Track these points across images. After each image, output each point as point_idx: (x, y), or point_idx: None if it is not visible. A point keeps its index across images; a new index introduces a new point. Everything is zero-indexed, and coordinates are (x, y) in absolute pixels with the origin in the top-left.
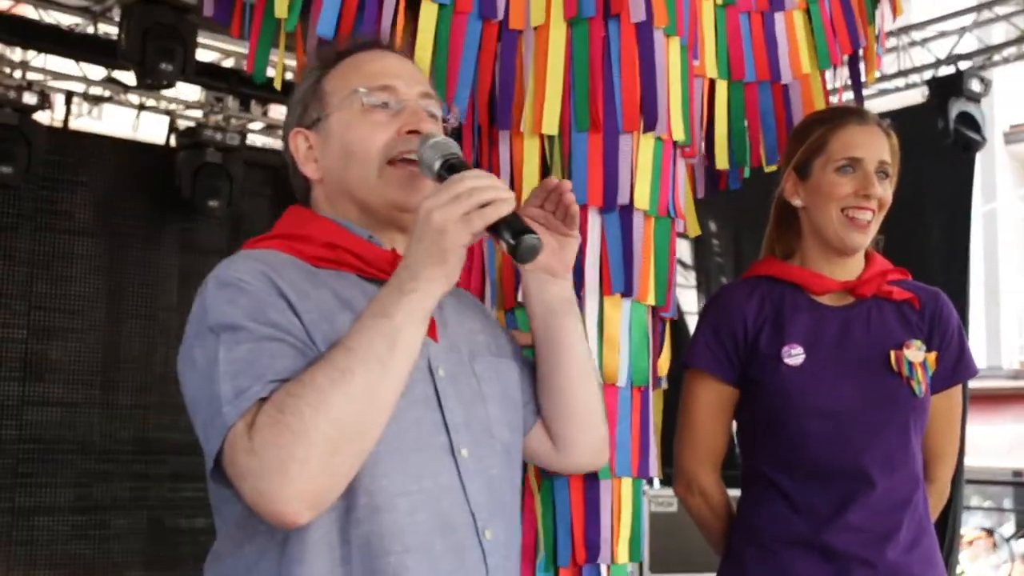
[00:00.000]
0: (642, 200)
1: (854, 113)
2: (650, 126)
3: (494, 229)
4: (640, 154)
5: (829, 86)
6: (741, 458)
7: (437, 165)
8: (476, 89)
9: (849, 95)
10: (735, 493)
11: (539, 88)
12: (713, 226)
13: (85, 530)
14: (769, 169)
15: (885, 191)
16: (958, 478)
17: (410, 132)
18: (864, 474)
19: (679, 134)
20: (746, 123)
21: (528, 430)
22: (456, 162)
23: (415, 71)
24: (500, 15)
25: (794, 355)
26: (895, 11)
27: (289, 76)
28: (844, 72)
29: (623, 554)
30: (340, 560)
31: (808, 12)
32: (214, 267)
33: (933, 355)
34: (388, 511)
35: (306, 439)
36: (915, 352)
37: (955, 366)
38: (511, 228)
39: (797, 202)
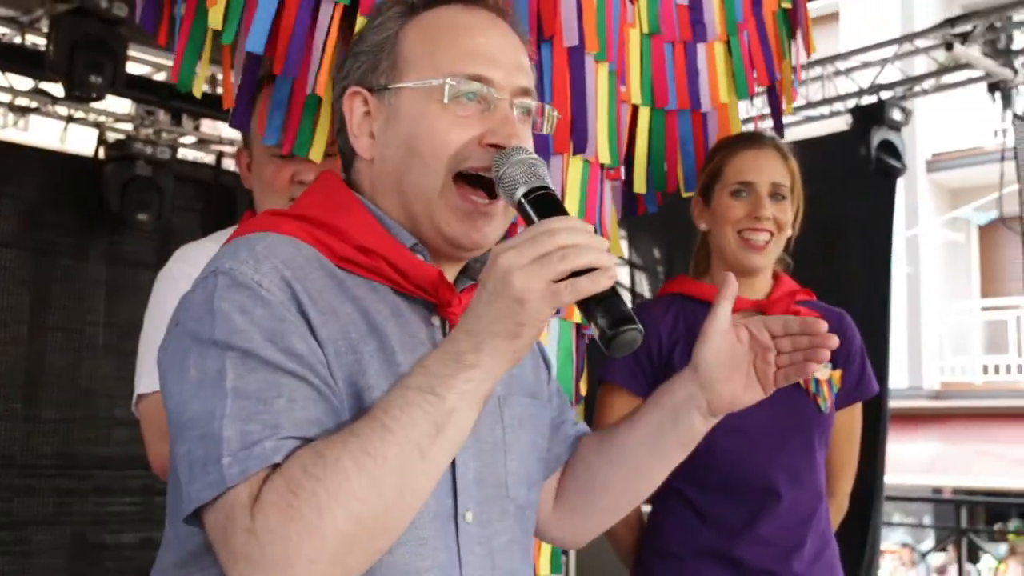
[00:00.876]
0: None
1: (749, 138)
2: (580, 148)
3: (585, 305)
4: (569, 176)
5: (753, 113)
6: None
7: (521, 192)
8: None
9: (768, 123)
10: (646, 508)
11: None
12: (657, 252)
13: (9, 546)
14: (687, 195)
15: (781, 212)
16: (878, 495)
17: (492, 145)
18: (772, 488)
19: (606, 157)
20: (665, 149)
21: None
22: (547, 196)
23: (517, 51)
24: None
25: None
26: (808, 49)
27: (161, 76)
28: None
29: (544, 566)
30: None
31: (728, 44)
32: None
33: (838, 373)
34: None
35: (319, 534)
36: (821, 370)
37: (857, 384)
38: (607, 310)
39: (703, 226)
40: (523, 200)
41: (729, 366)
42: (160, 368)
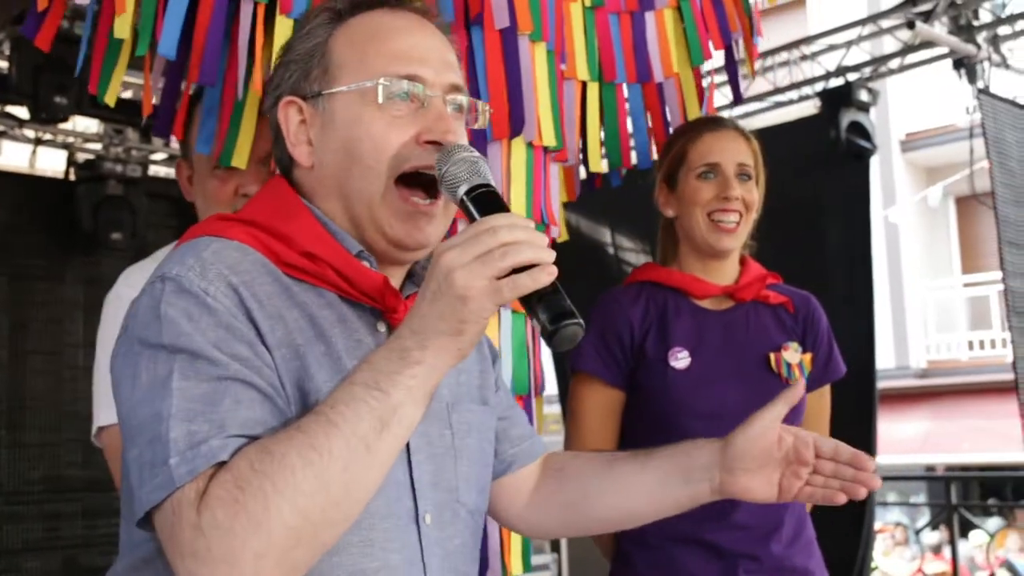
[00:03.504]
0: (518, 207)
1: (710, 121)
2: (517, 131)
3: (527, 301)
4: (512, 161)
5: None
6: None
7: (463, 190)
8: None
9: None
10: None
11: None
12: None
13: (0, 574)
14: (639, 170)
15: (749, 192)
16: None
17: (429, 142)
18: None
19: (550, 139)
20: (618, 124)
21: (499, 475)
22: (488, 194)
23: (445, 51)
24: None
25: (680, 358)
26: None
27: (128, 94)
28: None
29: (516, 565)
30: None
31: (679, 9)
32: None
33: (809, 356)
34: None
35: (266, 529)
36: (792, 354)
37: (826, 366)
38: (549, 306)
39: (669, 212)
40: (465, 198)
41: (759, 461)
42: (112, 375)
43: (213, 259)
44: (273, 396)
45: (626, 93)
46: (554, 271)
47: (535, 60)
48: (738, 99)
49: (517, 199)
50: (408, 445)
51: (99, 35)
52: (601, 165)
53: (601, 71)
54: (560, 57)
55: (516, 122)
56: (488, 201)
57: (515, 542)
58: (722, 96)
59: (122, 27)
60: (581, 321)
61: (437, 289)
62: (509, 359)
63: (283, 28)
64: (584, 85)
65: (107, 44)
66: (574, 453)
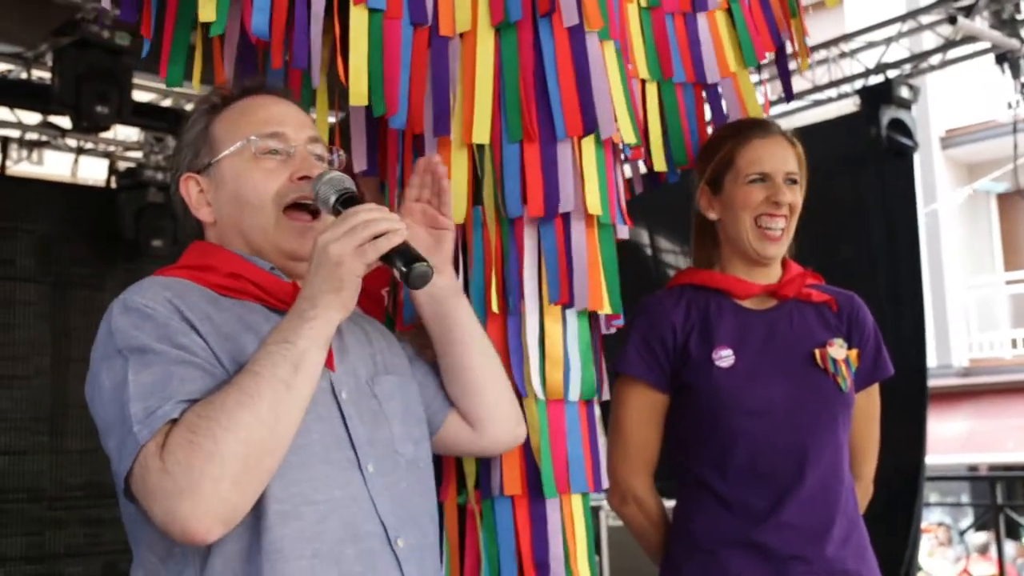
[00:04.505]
0: (594, 206)
1: (758, 126)
2: (590, 129)
3: (387, 258)
4: (584, 159)
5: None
6: (674, 464)
7: (332, 199)
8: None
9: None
10: (670, 504)
11: (467, 97)
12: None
13: None
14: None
15: (795, 197)
16: (919, 475)
17: (301, 178)
18: (796, 471)
19: (630, 136)
20: (681, 122)
21: (439, 425)
22: (351, 196)
23: (301, 116)
24: (430, 20)
25: (724, 357)
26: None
27: (168, 102)
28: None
29: (583, 570)
30: (252, 568)
31: (730, 12)
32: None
33: (855, 352)
34: (296, 518)
35: (219, 458)
36: (838, 349)
37: (874, 366)
38: (403, 257)
39: (712, 215)
40: (335, 203)
41: None
42: (86, 395)
43: (150, 284)
44: (211, 370)
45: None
46: (405, 233)
47: (606, 57)
48: (789, 97)
49: (592, 197)
50: (342, 413)
51: (167, 19)
52: (664, 164)
53: (660, 69)
54: (627, 56)
55: (588, 119)
56: (351, 200)
57: (579, 545)
58: (760, 94)
59: (207, 8)
60: (429, 262)
61: (318, 262)
62: (578, 362)
63: (359, 18)
64: (643, 84)
65: (175, 28)
66: None
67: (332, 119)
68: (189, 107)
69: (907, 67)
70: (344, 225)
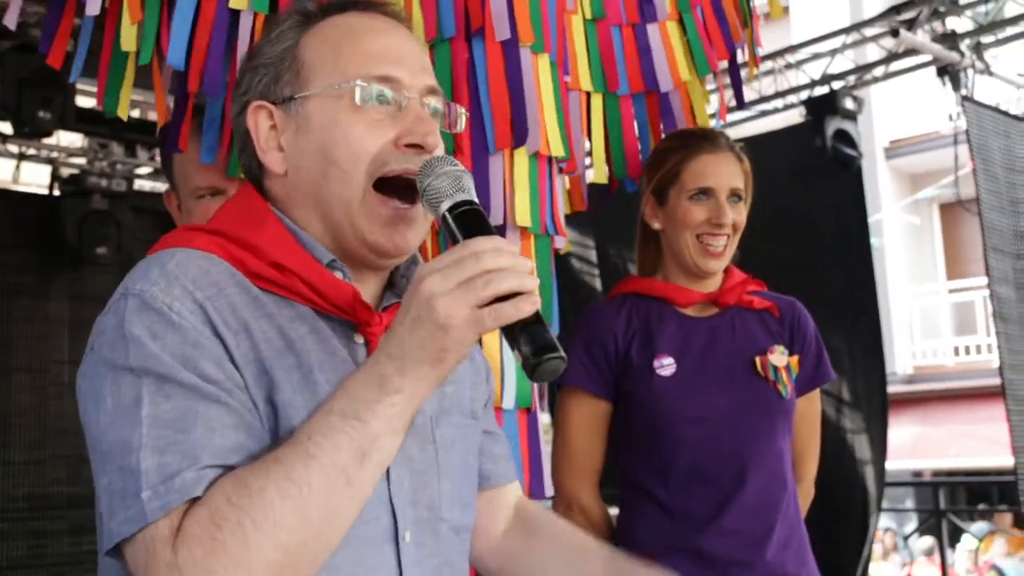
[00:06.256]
0: (523, 217)
1: (707, 139)
2: (520, 141)
3: (508, 331)
4: (516, 171)
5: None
6: (618, 472)
7: (445, 207)
8: None
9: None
10: (615, 511)
11: None
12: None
13: None
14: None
15: (739, 214)
16: (879, 480)
17: (409, 146)
18: (737, 477)
19: (558, 149)
20: (623, 135)
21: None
22: (471, 214)
23: (420, 51)
24: None
25: (665, 365)
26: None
27: (136, 113)
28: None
29: None
30: None
31: (682, 22)
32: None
33: (796, 358)
34: None
35: (246, 566)
36: (779, 356)
37: (815, 370)
38: (532, 339)
39: (656, 225)
40: (448, 215)
41: None
42: (78, 395)
43: (178, 271)
44: (247, 417)
45: (633, 104)
46: (538, 301)
47: (538, 71)
48: (741, 105)
49: (521, 208)
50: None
51: (104, 47)
52: (604, 175)
53: (605, 82)
54: (563, 68)
55: (519, 132)
56: (472, 220)
57: None
58: (716, 102)
59: (128, 38)
60: (563, 355)
61: (417, 316)
62: (513, 372)
63: None
64: (588, 97)
65: (111, 56)
66: (552, 519)
67: None
68: (135, 113)
69: (851, 79)
70: (459, 271)
